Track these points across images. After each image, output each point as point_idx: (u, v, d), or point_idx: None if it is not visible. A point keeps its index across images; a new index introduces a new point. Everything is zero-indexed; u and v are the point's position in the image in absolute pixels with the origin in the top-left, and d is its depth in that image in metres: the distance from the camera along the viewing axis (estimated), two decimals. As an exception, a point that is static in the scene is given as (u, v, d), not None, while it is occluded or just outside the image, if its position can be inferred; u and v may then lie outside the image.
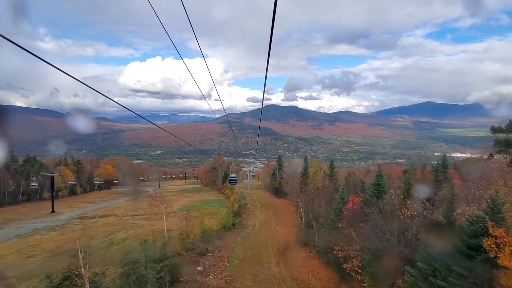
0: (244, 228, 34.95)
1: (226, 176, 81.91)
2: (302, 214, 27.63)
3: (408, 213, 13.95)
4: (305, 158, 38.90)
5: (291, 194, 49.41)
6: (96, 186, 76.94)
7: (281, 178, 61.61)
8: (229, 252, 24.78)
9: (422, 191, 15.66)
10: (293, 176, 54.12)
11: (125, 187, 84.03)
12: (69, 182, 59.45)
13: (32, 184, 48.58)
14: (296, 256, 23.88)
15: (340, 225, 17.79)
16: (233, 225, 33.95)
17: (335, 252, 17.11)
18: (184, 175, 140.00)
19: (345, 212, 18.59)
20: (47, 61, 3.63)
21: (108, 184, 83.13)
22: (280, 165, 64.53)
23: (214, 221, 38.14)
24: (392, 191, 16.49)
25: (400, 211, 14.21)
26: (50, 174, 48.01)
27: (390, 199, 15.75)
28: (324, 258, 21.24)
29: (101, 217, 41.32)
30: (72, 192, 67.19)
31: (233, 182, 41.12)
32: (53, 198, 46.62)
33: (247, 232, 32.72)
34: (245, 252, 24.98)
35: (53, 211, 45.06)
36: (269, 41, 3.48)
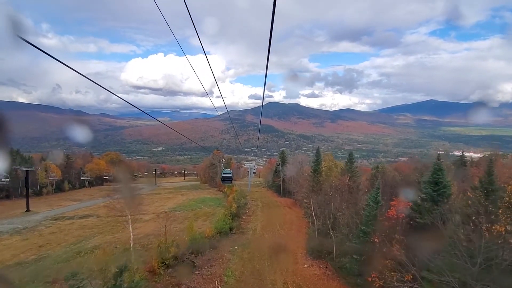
0: (243, 232, 29.73)
1: (225, 172, 76.69)
2: (314, 219, 22.38)
3: (502, 229, 8.75)
4: (318, 151, 33.06)
5: (298, 194, 44.28)
6: (87, 182, 71.88)
7: (285, 175, 56.65)
8: (224, 267, 19.56)
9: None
10: (299, 173, 49.12)
11: (117, 184, 79.38)
12: (50, 178, 54.30)
13: (2, 179, 43.44)
14: (308, 274, 18.67)
15: (376, 240, 12.57)
16: (230, 229, 28.73)
17: (371, 279, 11.95)
18: (183, 171, 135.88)
19: (386, 223, 13.35)
20: (56, 57, 3.85)
21: (100, 180, 78.17)
22: (283, 161, 59.49)
23: (208, 223, 33.02)
24: (468, 193, 11.23)
25: (483, 224, 8.99)
26: (25, 169, 42.82)
27: (463, 203, 10.55)
28: (347, 279, 16.04)
29: (81, 217, 36.25)
30: (59, 188, 62.20)
31: (227, 180, 28.77)
32: (27, 195, 41.55)
33: (246, 238, 27.47)
34: (243, 267, 19.77)
35: (28, 210, 40.00)
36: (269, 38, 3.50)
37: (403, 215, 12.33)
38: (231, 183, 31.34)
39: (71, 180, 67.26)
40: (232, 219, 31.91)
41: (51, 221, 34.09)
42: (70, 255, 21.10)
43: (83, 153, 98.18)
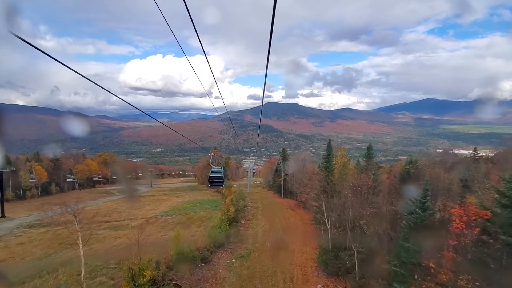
0: (242, 241, 25.80)
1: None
2: (328, 226, 18.49)
3: None
4: (329, 144, 28.29)
5: (301, 195, 40.59)
6: (77, 184, 67.78)
7: (286, 174, 53.04)
8: (217, 290, 15.69)
9: None
10: (302, 172, 45.55)
11: (110, 186, 75.36)
12: (30, 180, 50.24)
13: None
14: (323, 297, 14.86)
15: (431, 265, 8.78)
16: (227, 237, 24.81)
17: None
18: (181, 172, 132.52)
19: (450, 240, 9.47)
20: (60, 60, 3.85)
21: (92, 182, 74.02)
22: (285, 160, 55.88)
23: (202, 230, 29.11)
24: None
25: None
26: (-1, 170, 38.77)
27: None
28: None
29: (59, 224, 32.19)
30: (45, 191, 58.17)
31: (216, 181, 20.53)
32: (2, 199, 37.63)
33: (246, 248, 23.58)
34: (242, 289, 15.91)
35: (3, 216, 36.08)
36: (269, 38, 3.50)
37: (478, 229, 8.55)
38: (222, 185, 22.53)
39: (59, 182, 63.23)
40: (229, 224, 27.98)
41: (24, 229, 30.10)
42: (29, 275, 17.13)
43: (75, 154, 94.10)
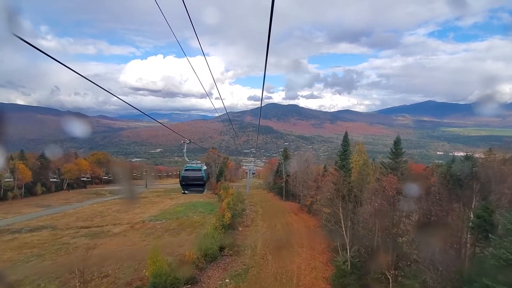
0: (239, 252, 21.92)
1: (221, 173, 68.82)
2: (346, 240, 14.57)
3: None
4: (345, 137, 23.71)
5: (305, 198, 36.81)
6: (65, 185, 63.84)
7: (288, 175, 49.39)
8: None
9: None
10: (305, 173, 41.90)
11: (101, 187, 71.41)
12: (5, 180, 46.17)
13: None
14: None
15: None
16: (221, 249, 20.87)
17: None
18: (179, 173, 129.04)
19: None
20: (60, 60, 3.75)
21: (83, 182, 69.95)
22: (286, 160, 52.30)
23: (194, 238, 25.23)
24: None
25: None
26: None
27: None
28: None
29: (31, 230, 28.18)
30: (30, 192, 54.27)
31: (194, 185, 12.44)
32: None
33: (243, 263, 19.66)
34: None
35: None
36: (267, 39, 3.50)
37: None
38: (203, 190, 13.65)
39: (46, 182, 59.24)
40: (224, 232, 24.11)
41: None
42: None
43: (66, 153, 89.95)
